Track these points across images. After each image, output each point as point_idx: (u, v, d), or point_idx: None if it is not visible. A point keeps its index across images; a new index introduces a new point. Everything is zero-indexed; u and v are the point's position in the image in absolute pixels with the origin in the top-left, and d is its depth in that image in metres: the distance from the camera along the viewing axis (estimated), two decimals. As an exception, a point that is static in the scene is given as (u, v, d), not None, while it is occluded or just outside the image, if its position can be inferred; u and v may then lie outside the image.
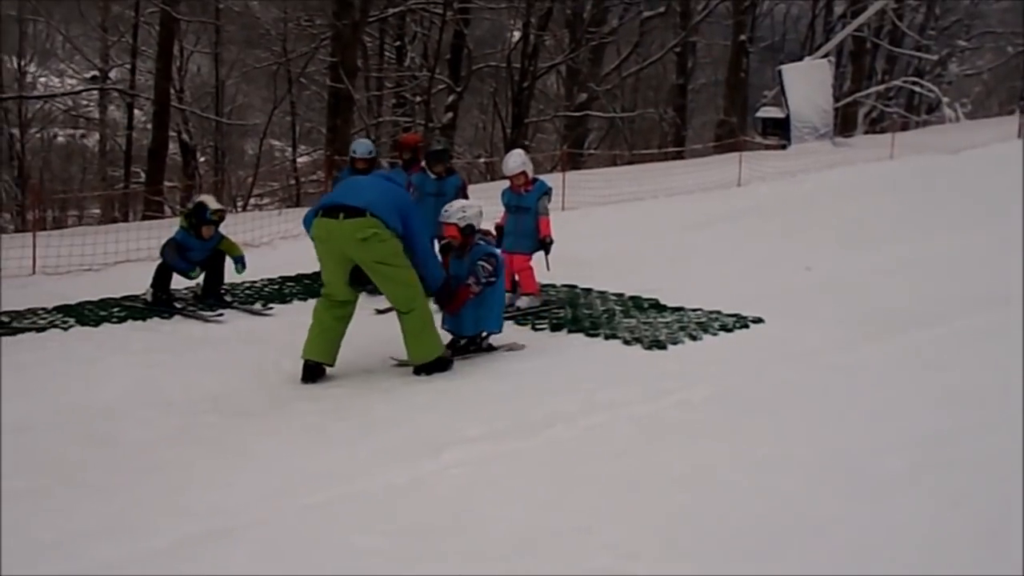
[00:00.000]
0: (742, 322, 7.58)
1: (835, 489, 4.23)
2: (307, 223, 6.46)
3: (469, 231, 6.74)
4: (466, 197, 8.79)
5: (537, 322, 7.77)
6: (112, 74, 28.99)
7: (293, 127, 29.83)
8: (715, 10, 31.59)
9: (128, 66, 28.43)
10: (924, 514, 3.95)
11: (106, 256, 10.89)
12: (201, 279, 8.75)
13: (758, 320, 7.64)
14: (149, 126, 25.60)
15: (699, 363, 6.54)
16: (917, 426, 5.07)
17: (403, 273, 6.30)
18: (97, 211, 28.40)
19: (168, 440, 5.12)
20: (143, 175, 26.27)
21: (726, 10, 31.18)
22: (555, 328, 7.60)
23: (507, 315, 7.89)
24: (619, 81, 32.10)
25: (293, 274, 9.92)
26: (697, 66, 34.16)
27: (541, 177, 9.11)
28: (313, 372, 6.26)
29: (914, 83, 32.27)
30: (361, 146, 9.84)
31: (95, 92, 29.61)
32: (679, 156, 26.61)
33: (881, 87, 33.05)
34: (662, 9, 30.49)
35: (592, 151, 30.73)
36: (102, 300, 8.75)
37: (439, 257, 7.14)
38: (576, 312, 8.10)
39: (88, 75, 30.56)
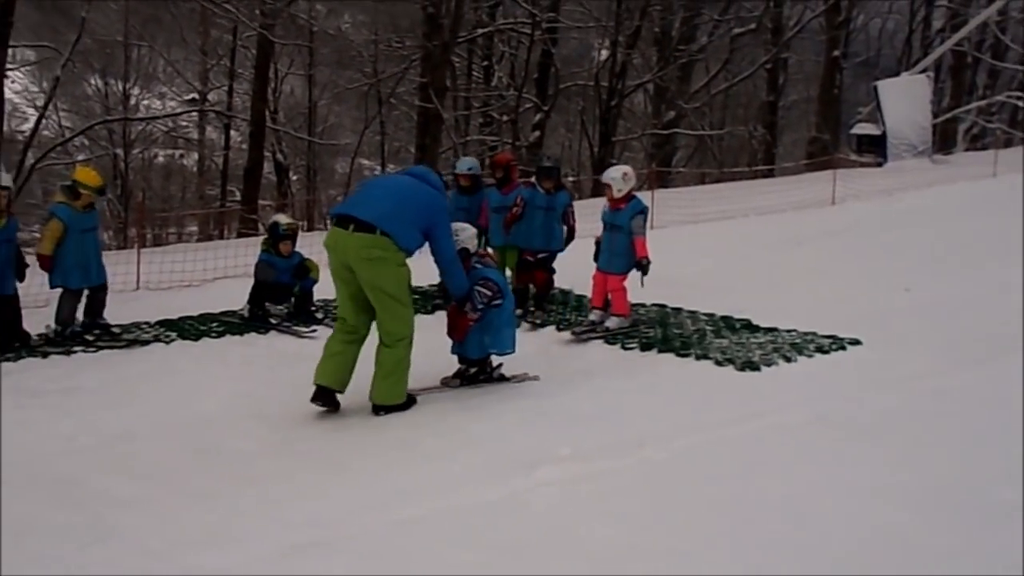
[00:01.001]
0: (839, 344, 7.41)
1: (943, 520, 4.09)
2: None
3: (464, 255, 6.40)
4: (573, 216, 8.91)
5: (627, 341, 7.72)
6: (210, 96, 29.98)
7: (382, 146, 30.37)
8: (808, 26, 31.13)
9: (225, 88, 29.41)
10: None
11: (205, 272, 11.22)
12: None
13: (855, 342, 7.44)
14: (245, 146, 26.40)
15: (794, 385, 6.41)
16: (1028, 455, 4.87)
17: (400, 308, 5.94)
18: (194, 229, 29.33)
19: (267, 451, 5.26)
20: (238, 193, 27.07)
21: (819, 25, 30.70)
22: (645, 348, 7.54)
23: (596, 335, 7.91)
24: (708, 98, 31.86)
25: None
26: (788, 82, 33.72)
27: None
28: (323, 396, 5.96)
29: (1018, 98, 31.20)
30: (463, 163, 10.00)
31: (194, 113, 30.67)
32: (769, 174, 26.22)
33: (983, 102, 32.06)
34: (753, 26, 30.20)
35: (680, 169, 30.55)
36: (202, 315, 9.02)
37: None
38: (666, 332, 8.03)
39: (187, 97, 31.65)
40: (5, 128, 18.26)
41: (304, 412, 5.93)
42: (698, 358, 7.13)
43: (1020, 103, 31.21)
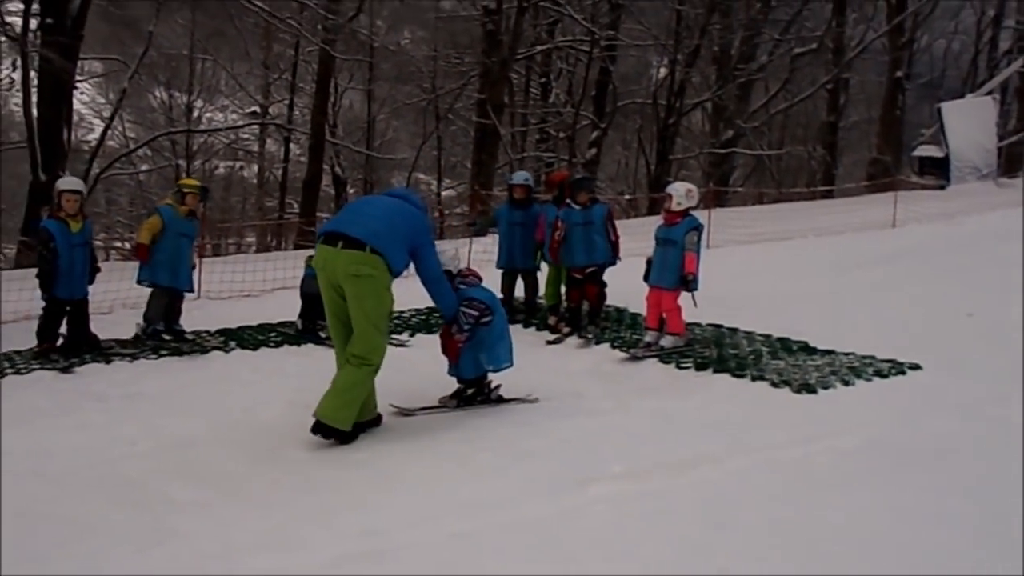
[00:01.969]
0: (898, 368, 7.28)
1: (1000, 552, 4.00)
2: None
3: (448, 276, 6.27)
4: (613, 226, 8.86)
5: (682, 361, 7.68)
6: (271, 109, 30.53)
7: (439, 161, 30.65)
8: (870, 46, 30.73)
9: (286, 102, 29.92)
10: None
11: (264, 283, 11.44)
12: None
13: (915, 367, 7.32)
14: (304, 159, 26.81)
15: (851, 409, 6.32)
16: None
17: (373, 334, 5.68)
18: (252, 239, 29.82)
19: (322, 460, 5.33)
20: (296, 206, 27.48)
21: (882, 46, 30.30)
22: (700, 367, 7.49)
23: (651, 354, 7.87)
24: (767, 118, 31.60)
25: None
26: (849, 103, 33.31)
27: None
28: (356, 430, 5.72)
29: (1086, 121, 30.48)
30: (518, 175, 10.21)
31: (255, 126, 31.24)
32: (829, 195, 25.93)
33: (1051, 125, 31.33)
34: (814, 45, 29.88)
35: (738, 188, 30.30)
36: (260, 325, 9.20)
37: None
38: (722, 352, 7.96)
39: (248, 110, 32.28)
40: (72, 138, 18.76)
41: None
42: (754, 379, 7.07)
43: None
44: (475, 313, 6.27)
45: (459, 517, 4.37)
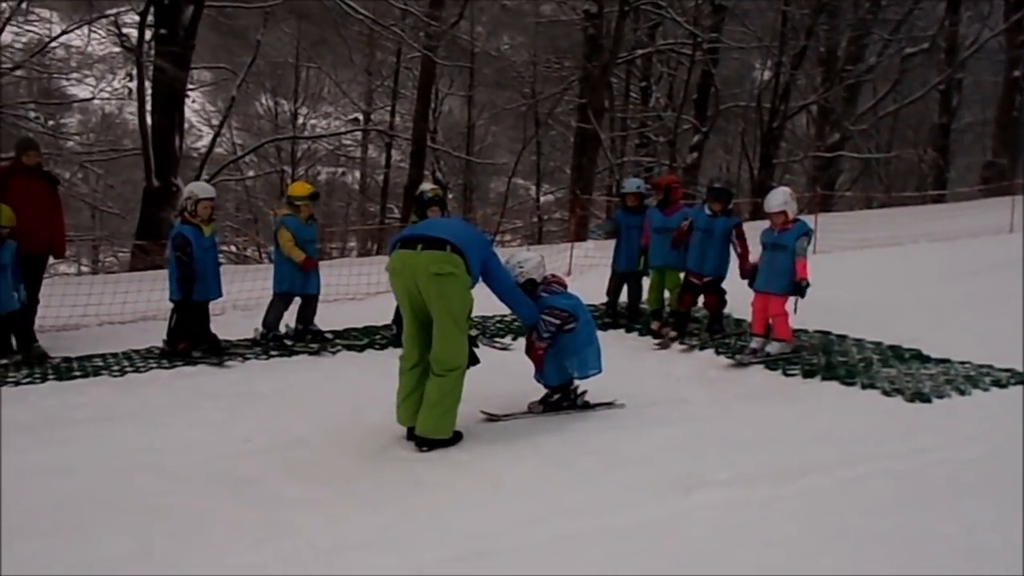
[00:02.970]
0: (1018, 378, 7.00)
1: None
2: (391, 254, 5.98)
3: (530, 286, 6.32)
4: (740, 240, 8.72)
5: (788, 368, 7.54)
6: (373, 116, 31.11)
7: (538, 166, 30.71)
8: (986, 45, 29.57)
9: (388, 108, 30.44)
10: None
11: (368, 287, 11.66)
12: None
13: (1036, 377, 7.03)
14: (405, 164, 27.20)
15: (968, 419, 6.10)
16: None
17: (456, 334, 5.68)
18: (353, 244, 30.43)
19: (428, 461, 5.43)
20: (396, 211, 27.91)
21: (998, 44, 29.11)
22: (807, 375, 7.34)
23: (757, 360, 7.75)
24: (875, 120, 30.66)
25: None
26: (963, 104, 32.06)
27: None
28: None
29: None
30: (631, 182, 10.22)
31: (358, 133, 31.87)
32: (940, 199, 25.04)
33: None
34: (926, 45, 28.89)
35: (845, 193, 29.53)
36: (365, 327, 9.39)
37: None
38: (830, 359, 7.78)
39: (351, 117, 32.95)
40: (183, 145, 19.43)
41: (462, 423, 6.05)
42: (864, 387, 6.90)
43: None
44: (557, 321, 6.28)
45: (563, 521, 4.38)
